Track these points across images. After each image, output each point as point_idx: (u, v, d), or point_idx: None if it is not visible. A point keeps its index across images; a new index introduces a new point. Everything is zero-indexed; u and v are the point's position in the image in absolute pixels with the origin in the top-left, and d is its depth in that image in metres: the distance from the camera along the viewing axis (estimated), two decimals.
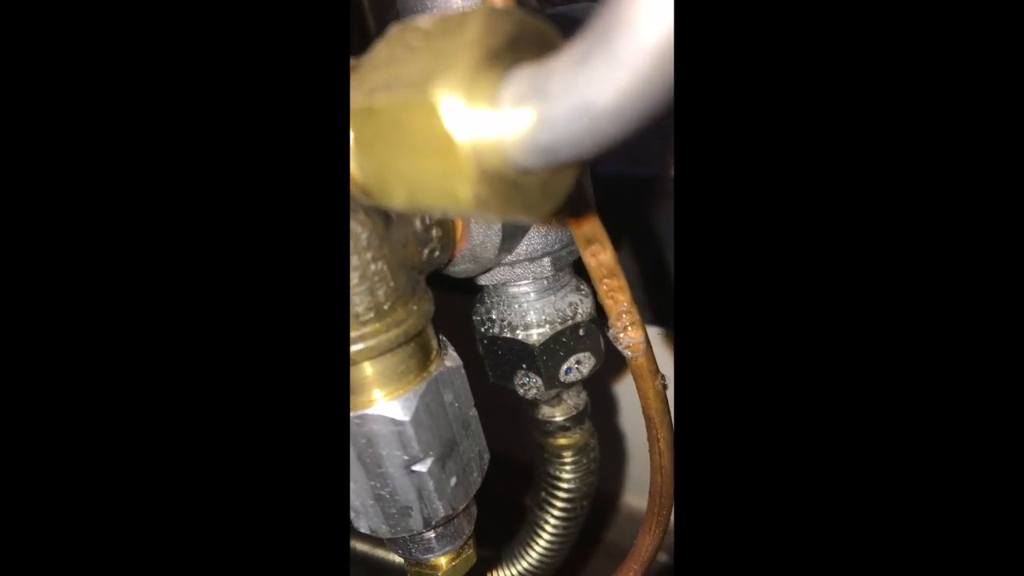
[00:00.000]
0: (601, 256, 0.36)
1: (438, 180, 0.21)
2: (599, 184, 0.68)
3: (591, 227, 0.35)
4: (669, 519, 0.44)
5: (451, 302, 0.60)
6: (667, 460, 0.42)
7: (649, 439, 0.41)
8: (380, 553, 0.81)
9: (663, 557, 0.93)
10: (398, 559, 0.79)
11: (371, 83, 0.22)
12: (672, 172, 0.71)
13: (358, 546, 0.82)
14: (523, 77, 0.20)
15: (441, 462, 0.38)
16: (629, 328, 0.38)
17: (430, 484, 0.37)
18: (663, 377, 0.40)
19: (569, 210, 0.31)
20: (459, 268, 0.43)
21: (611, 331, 0.38)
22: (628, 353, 0.38)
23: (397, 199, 0.24)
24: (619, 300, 0.37)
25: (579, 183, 0.30)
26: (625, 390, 0.91)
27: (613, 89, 0.18)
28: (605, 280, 0.37)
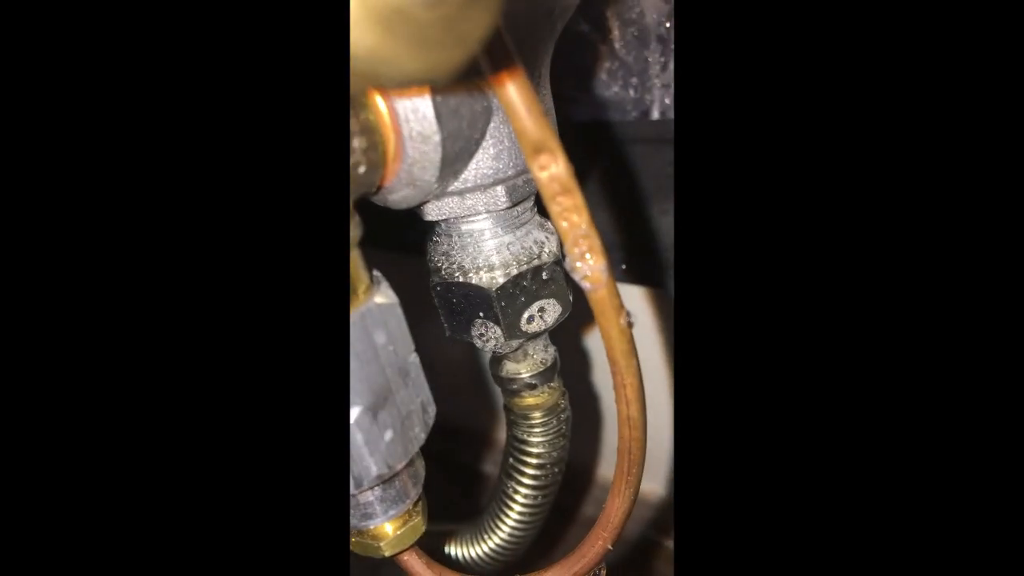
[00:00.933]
0: (552, 168, 0.31)
1: None
2: (572, 130, 0.63)
3: (539, 131, 0.30)
4: (640, 478, 0.40)
5: (410, 266, 0.55)
6: (636, 410, 0.37)
7: (615, 387, 0.36)
8: None
9: (664, 539, 0.88)
10: None
11: None
12: (651, 115, 0.66)
13: None
14: None
15: (372, 412, 0.33)
16: (588, 255, 0.32)
17: (358, 437, 0.32)
18: (629, 314, 0.35)
19: (499, 78, 0.26)
20: (398, 196, 0.37)
21: (567, 260, 0.33)
22: (587, 285, 0.33)
23: None
24: (574, 222, 0.32)
25: (500, 33, 0.24)
26: (597, 356, 0.86)
27: None
28: (558, 198, 0.31)
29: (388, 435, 0.34)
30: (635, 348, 0.36)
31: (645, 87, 0.65)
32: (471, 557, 0.62)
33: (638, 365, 0.36)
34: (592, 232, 0.32)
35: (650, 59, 0.64)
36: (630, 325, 0.35)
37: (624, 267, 0.69)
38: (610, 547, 0.42)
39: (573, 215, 0.32)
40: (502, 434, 0.95)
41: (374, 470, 0.33)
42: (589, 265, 0.33)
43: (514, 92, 0.29)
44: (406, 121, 0.33)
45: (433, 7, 0.18)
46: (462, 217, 0.42)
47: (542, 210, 0.46)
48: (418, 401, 0.36)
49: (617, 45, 0.65)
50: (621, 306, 0.35)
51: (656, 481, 0.90)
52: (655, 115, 0.65)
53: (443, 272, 0.44)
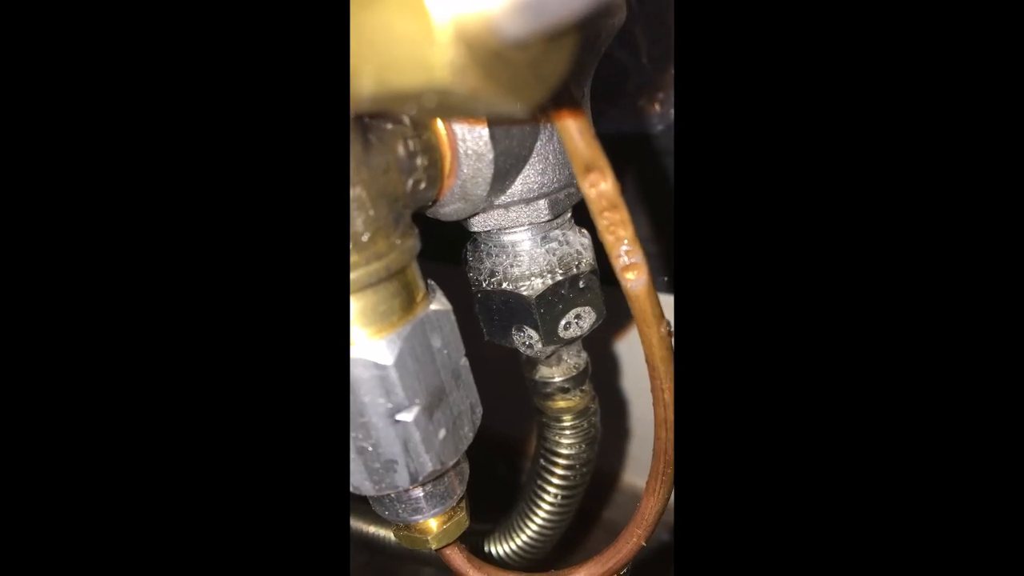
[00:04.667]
0: (601, 185, 0.33)
1: (409, 47, 0.18)
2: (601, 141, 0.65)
3: (590, 152, 0.32)
4: (673, 479, 0.42)
5: (444, 273, 0.57)
6: (672, 414, 0.39)
7: (653, 390, 0.39)
8: (372, 529, 0.78)
9: (664, 535, 0.90)
10: (393, 537, 0.76)
11: None
12: (656, 127, 0.68)
13: (356, 525, 0.79)
14: None
15: (428, 412, 0.35)
16: (631, 266, 0.35)
17: (416, 435, 0.34)
18: (669, 324, 0.37)
19: (558, 107, 0.28)
20: (449, 209, 0.40)
21: (615, 270, 0.35)
22: (630, 292, 0.35)
23: (365, 80, 0.21)
24: (620, 236, 0.34)
25: (571, 82, 0.27)
26: (626, 363, 0.88)
27: None
28: (605, 213, 0.34)
29: (442, 433, 0.36)
30: (673, 355, 0.38)
31: (670, 102, 0.67)
32: (499, 554, 0.64)
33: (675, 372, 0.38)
34: (636, 245, 0.34)
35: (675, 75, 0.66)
36: (670, 334, 0.37)
37: (666, 279, 0.71)
38: (644, 543, 0.44)
39: (620, 229, 0.34)
40: (518, 436, 0.97)
41: (429, 466, 0.36)
42: (633, 276, 0.35)
43: (568, 116, 0.31)
44: (463, 140, 0.35)
45: (524, 50, 0.20)
46: (505, 228, 0.44)
47: (578, 220, 0.48)
48: (467, 402, 0.38)
49: (644, 61, 0.67)
50: (662, 315, 0.37)
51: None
52: None
53: (484, 280, 0.46)
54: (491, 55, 0.19)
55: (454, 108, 0.21)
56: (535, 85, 0.21)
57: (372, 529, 0.78)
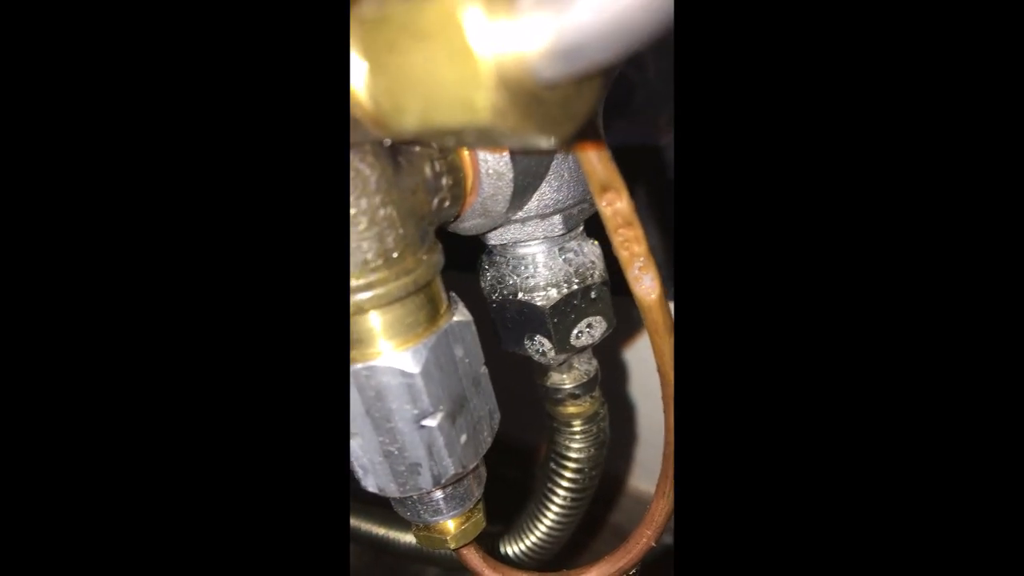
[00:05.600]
0: (617, 204, 0.35)
1: (454, 88, 0.20)
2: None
3: (606, 172, 0.34)
4: (675, 482, 0.43)
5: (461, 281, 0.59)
6: None
7: (664, 398, 0.40)
8: (381, 531, 0.80)
9: (667, 538, 0.92)
10: (402, 538, 0.78)
11: None
12: (662, 139, 0.70)
13: (362, 526, 0.81)
14: None
15: (451, 418, 0.37)
16: (645, 280, 0.37)
17: (440, 440, 0.36)
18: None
19: (581, 140, 0.30)
20: (469, 224, 0.42)
21: (628, 283, 0.37)
22: (643, 304, 0.37)
23: (410, 118, 0.22)
24: (635, 252, 0.36)
25: (595, 122, 0.28)
26: (634, 370, 0.90)
27: None
28: (620, 230, 0.35)
29: (463, 438, 0.38)
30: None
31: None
32: (510, 554, 0.66)
33: None
34: (650, 260, 0.36)
35: None
36: None
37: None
38: (653, 544, 0.45)
39: (634, 245, 0.36)
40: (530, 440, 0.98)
41: (451, 469, 0.37)
42: (646, 289, 0.37)
43: (587, 142, 0.33)
44: (484, 161, 0.37)
45: (555, 89, 0.22)
46: (520, 241, 0.46)
47: (589, 231, 0.50)
48: (487, 408, 0.40)
49: (650, 75, 0.69)
50: (673, 325, 0.39)
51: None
52: None
53: (500, 290, 0.48)
54: (528, 96, 0.21)
55: (490, 142, 0.23)
56: (566, 122, 0.22)
57: (379, 530, 0.80)
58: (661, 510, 0.44)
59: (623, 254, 0.36)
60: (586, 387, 0.55)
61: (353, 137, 0.28)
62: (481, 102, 0.20)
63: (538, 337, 0.48)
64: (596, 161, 0.33)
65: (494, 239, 0.45)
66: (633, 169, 0.71)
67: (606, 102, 0.69)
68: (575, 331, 0.48)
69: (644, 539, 0.45)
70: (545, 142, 0.22)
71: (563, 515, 0.63)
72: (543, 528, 0.64)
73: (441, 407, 0.36)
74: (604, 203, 0.35)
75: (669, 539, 0.92)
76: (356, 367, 0.34)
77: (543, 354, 0.49)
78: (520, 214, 0.43)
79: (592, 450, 0.59)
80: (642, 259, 0.36)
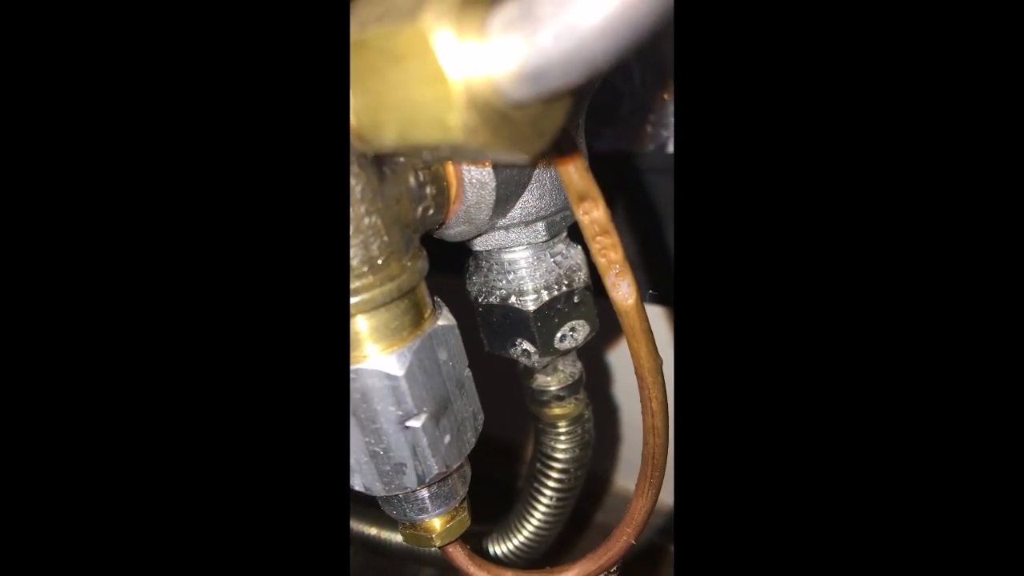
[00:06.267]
0: (594, 213, 0.36)
1: (428, 108, 0.22)
2: (595, 160, 0.68)
3: (583, 183, 0.35)
4: (662, 482, 0.45)
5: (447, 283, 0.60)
6: (660, 421, 0.42)
7: (642, 399, 0.42)
8: (373, 531, 0.81)
9: (670, 544, 0.93)
10: (395, 539, 0.79)
11: (364, 16, 0.23)
12: (650, 146, 0.71)
13: (354, 527, 0.82)
14: (511, 3, 0.20)
15: (435, 419, 0.38)
16: (622, 286, 0.38)
17: (424, 441, 0.38)
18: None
19: (558, 153, 0.32)
20: (454, 231, 0.43)
21: (606, 289, 0.38)
22: (620, 309, 0.39)
23: (388, 134, 0.24)
24: (612, 259, 0.37)
25: (567, 130, 0.30)
26: (617, 372, 0.91)
27: (600, 9, 0.19)
28: (598, 237, 0.37)
29: (447, 439, 0.39)
30: (661, 366, 0.41)
31: (662, 123, 0.71)
32: (497, 553, 0.67)
33: (663, 381, 0.41)
34: (626, 266, 0.38)
35: (667, 98, 0.70)
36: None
37: (651, 292, 0.74)
38: (633, 542, 0.47)
39: (611, 252, 0.37)
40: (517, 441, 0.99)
41: (435, 469, 0.39)
42: (623, 294, 0.38)
43: (564, 155, 0.34)
44: (467, 170, 0.39)
45: (523, 108, 0.23)
46: (505, 247, 0.47)
47: (573, 236, 0.51)
48: (470, 410, 0.42)
49: (637, 84, 0.71)
50: (649, 329, 0.40)
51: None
52: (670, 149, 0.71)
53: (485, 295, 0.49)
54: (497, 115, 0.22)
55: (465, 157, 0.24)
56: (535, 139, 0.24)
57: (373, 531, 0.81)
58: (640, 509, 0.46)
59: (601, 261, 0.37)
60: (571, 389, 0.56)
61: None
62: (453, 121, 0.21)
63: (522, 341, 0.50)
64: (573, 172, 0.35)
65: (479, 245, 0.47)
66: (618, 175, 0.73)
67: (595, 110, 0.70)
68: (559, 335, 0.50)
69: (624, 537, 0.47)
70: (516, 158, 0.23)
71: (549, 515, 0.64)
72: (530, 528, 0.65)
73: (425, 409, 0.37)
74: (581, 212, 0.36)
75: (650, 537, 0.93)
76: None
77: (528, 357, 0.50)
78: (504, 221, 0.44)
79: (577, 451, 0.60)
80: (618, 266, 0.37)
